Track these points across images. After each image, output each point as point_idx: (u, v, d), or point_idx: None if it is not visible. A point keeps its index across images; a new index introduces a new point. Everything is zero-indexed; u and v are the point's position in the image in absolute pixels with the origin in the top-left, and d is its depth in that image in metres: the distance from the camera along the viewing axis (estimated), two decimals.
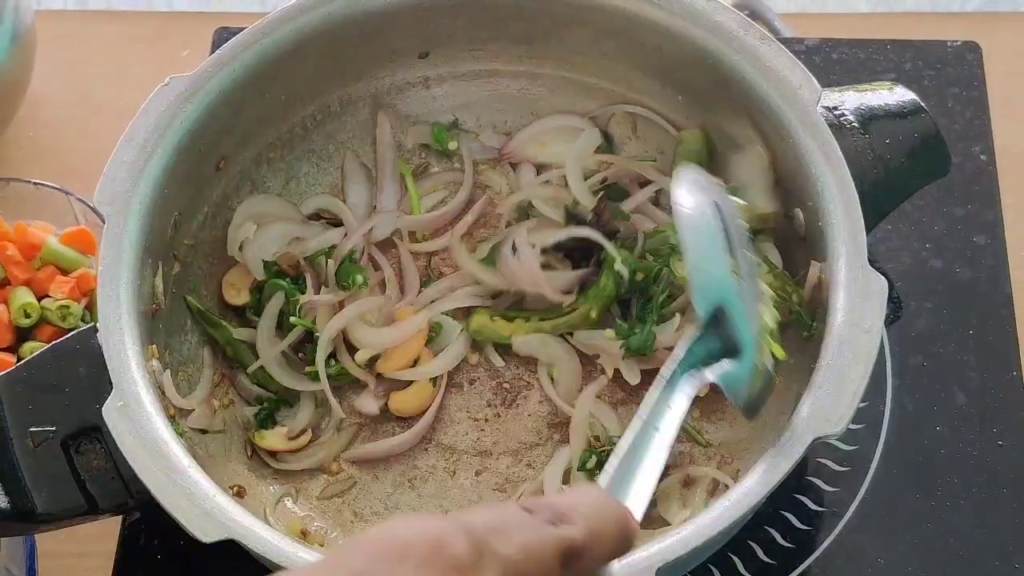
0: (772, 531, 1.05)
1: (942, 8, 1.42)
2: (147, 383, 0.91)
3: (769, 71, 1.00)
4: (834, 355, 0.88)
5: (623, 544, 0.61)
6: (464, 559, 0.51)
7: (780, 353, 0.88)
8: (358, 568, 0.50)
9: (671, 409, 0.80)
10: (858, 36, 1.26)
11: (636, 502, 0.71)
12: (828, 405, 0.87)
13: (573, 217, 1.09)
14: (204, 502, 0.85)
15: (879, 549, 1.04)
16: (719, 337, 0.86)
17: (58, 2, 1.69)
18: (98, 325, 0.93)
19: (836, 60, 1.24)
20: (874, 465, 1.07)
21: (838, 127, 1.01)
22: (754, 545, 1.04)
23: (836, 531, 1.05)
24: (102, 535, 1.07)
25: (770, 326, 0.88)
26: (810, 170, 0.96)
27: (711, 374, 0.84)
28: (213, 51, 1.25)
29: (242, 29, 1.05)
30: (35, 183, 1.17)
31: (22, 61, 1.23)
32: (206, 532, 0.84)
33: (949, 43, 1.26)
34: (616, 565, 0.65)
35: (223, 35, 1.28)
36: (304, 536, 1.01)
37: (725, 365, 0.85)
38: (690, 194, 0.88)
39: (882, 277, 0.91)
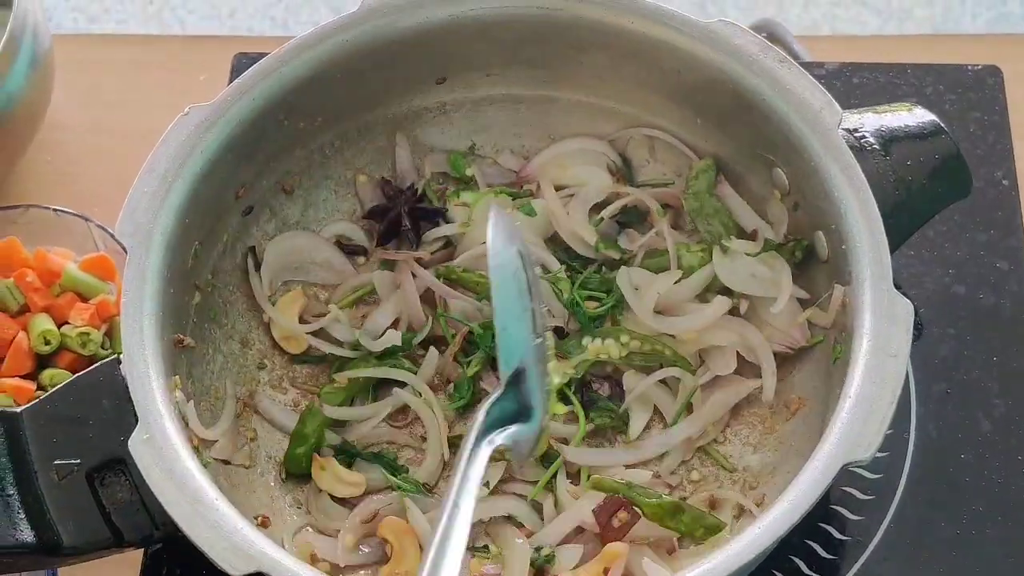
0: (797, 560, 1.04)
1: (951, 24, 1.42)
2: (172, 415, 0.91)
3: (789, 94, 1.00)
4: (861, 381, 0.88)
5: None
6: None
7: (559, 409, 0.96)
8: None
9: (469, 481, 0.83)
10: (876, 59, 1.26)
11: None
12: (856, 431, 0.86)
13: None
14: (232, 535, 0.85)
15: None
16: (515, 398, 0.88)
17: (75, 26, 1.69)
18: (122, 357, 0.92)
19: (857, 84, 1.24)
20: (899, 493, 1.07)
21: (859, 149, 1.00)
22: (778, 574, 1.04)
23: (862, 560, 1.04)
24: (122, 564, 1.06)
25: (556, 384, 0.93)
26: (833, 193, 0.96)
27: (500, 438, 0.87)
28: (232, 77, 1.26)
29: (260, 54, 1.05)
30: (55, 209, 1.17)
31: (40, 86, 1.23)
32: (234, 566, 0.84)
33: (969, 67, 1.26)
34: None
35: (242, 61, 1.28)
36: (313, 561, 1.01)
37: (514, 428, 0.88)
38: (502, 244, 0.89)
39: (908, 301, 0.91)
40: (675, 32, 1.03)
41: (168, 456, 0.88)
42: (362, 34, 1.05)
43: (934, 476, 1.07)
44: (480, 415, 0.86)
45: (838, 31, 1.33)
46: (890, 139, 1.02)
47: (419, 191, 1.13)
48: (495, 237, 0.88)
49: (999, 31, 1.32)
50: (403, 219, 1.12)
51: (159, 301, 0.95)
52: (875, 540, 1.05)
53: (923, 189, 1.01)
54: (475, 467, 0.83)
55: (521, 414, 0.88)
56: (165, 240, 0.97)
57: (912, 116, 1.04)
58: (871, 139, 1.02)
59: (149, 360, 0.92)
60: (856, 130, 1.02)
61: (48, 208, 1.17)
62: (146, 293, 0.94)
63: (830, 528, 1.05)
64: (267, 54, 1.04)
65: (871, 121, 1.03)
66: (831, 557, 1.04)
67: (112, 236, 1.13)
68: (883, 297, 0.91)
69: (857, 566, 1.04)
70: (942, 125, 1.04)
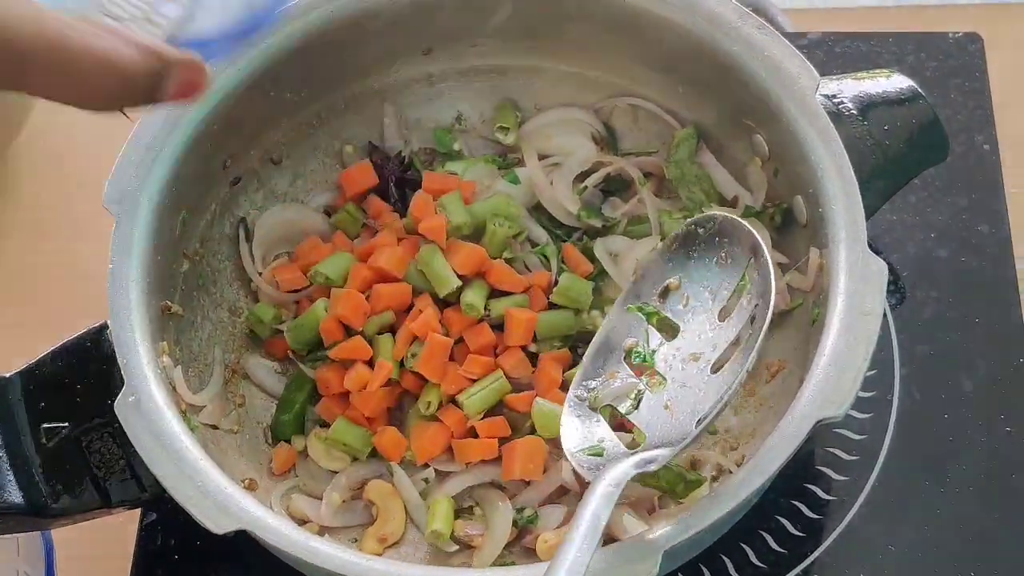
0: (783, 520, 1.06)
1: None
2: (158, 379, 0.92)
3: (767, 60, 1.01)
4: (835, 339, 0.89)
5: None
6: None
7: None
8: None
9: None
10: (858, 29, 1.27)
11: None
12: (830, 388, 0.87)
13: None
14: (216, 494, 0.87)
15: (889, 537, 1.05)
16: None
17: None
18: (108, 322, 0.94)
19: (839, 54, 1.25)
20: (883, 454, 1.08)
21: (837, 115, 1.02)
22: (765, 534, 1.05)
23: (846, 520, 1.05)
24: (119, 537, 1.08)
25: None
26: (810, 157, 0.97)
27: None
28: None
29: None
30: None
31: None
32: (218, 524, 0.85)
33: (951, 34, 1.27)
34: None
35: None
36: (299, 522, 1.02)
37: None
38: None
39: (881, 260, 0.92)
40: (656, 1, 1.05)
41: (153, 418, 0.89)
42: (348, 4, 1.06)
43: (918, 437, 1.08)
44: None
45: (829, 5, 1.34)
46: (868, 104, 1.03)
47: (406, 160, 1.15)
48: None
49: (988, 1, 1.33)
50: (390, 189, 1.13)
51: (146, 268, 0.96)
52: (860, 500, 1.06)
53: (901, 154, 1.03)
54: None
55: None
56: (152, 208, 0.98)
57: (890, 82, 1.05)
58: (849, 104, 1.03)
59: (135, 325, 0.93)
60: (835, 96, 1.03)
61: None
62: (132, 259, 0.96)
63: (815, 488, 1.07)
64: None
65: (850, 87, 1.05)
66: (817, 517, 1.06)
67: None
68: (858, 258, 0.92)
69: (842, 525, 1.05)
70: (920, 91, 1.05)
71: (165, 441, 0.89)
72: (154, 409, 0.90)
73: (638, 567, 0.82)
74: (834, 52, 1.25)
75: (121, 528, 1.08)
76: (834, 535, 1.05)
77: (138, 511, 1.07)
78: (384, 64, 1.13)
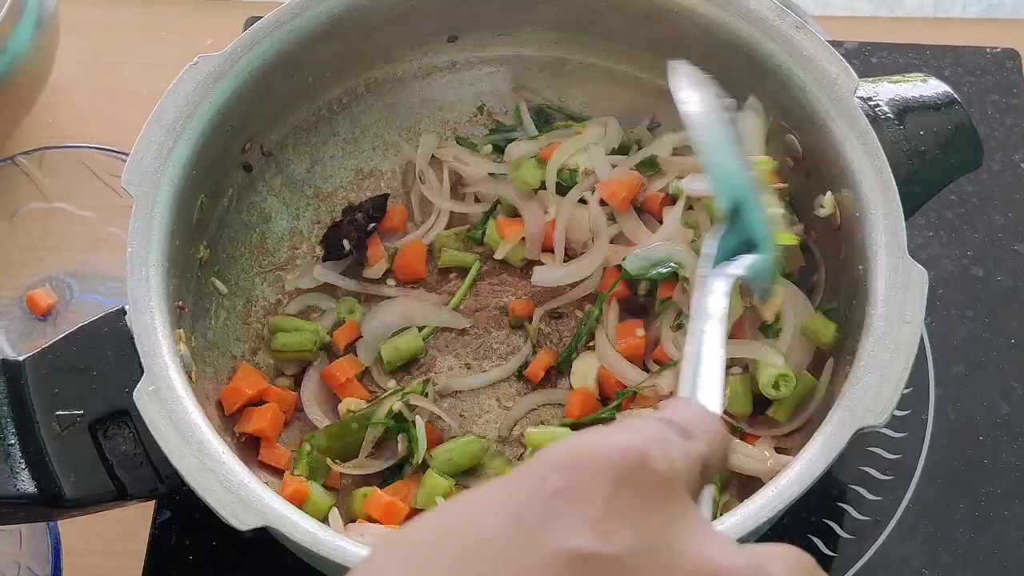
0: (815, 540, 1.04)
1: (942, 13, 1.42)
2: (178, 367, 0.89)
3: (805, 60, 0.99)
4: (875, 346, 0.88)
5: (727, 453, 0.58)
6: (665, 478, 0.47)
7: (790, 240, 0.92)
8: (559, 484, 0.45)
9: (710, 312, 0.74)
10: (887, 39, 1.25)
11: (715, 405, 0.66)
12: (871, 396, 0.86)
13: None
14: (239, 489, 0.84)
15: (924, 559, 1.03)
16: (737, 233, 0.83)
17: None
18: (127, 308, 0.91)
19: (875, 64, 1.24)
20: (917, 474, 1.06)
21: (872, 118, 0.99)
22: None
23: (880, 540, 1.04)
24: (128, 534, 1.06)
25: (777, 214, 0.89)
26: (847, 159, 0.96)
27: (738, 268, 0.82)
28: None
29: None
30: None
31: (45, 48, 1.21)
32: (241, 519, 0.83)
33: (988, 49, 1.26)
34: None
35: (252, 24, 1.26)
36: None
37: (748, 259, 0.83)
38: (694, 90, 0.85)
39: (922, 268, 0.90)
40: None
41: (174, 408, 0.87)
42: None
43: (952, 457, 1.07)
44: (707, 249, 0.81)
45: (855, 12, 1.32)
46: (904, 109, 1.01)
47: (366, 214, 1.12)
48: (681, 82, 0.85)
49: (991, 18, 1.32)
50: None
51: (165, 252, 0.94)
52: (893, 520, 1.04)
53: (936, 159, 1.01)
54: (714, 298, 0.75)
55: (747, 248, 0.83)
56: (172, 191, 0.95)
57: (927, 87, 1.03)
58: (885, 108, 1.01)
59: (155, 311, 0.91)
60: (870, 99, 1.02)
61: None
62: (152, 243, 0.93)
63: (849, 508, 1.05)
64: None
65: (885, 91, 1.03)
66: (850, 537, 1.04)
67: None
68: (897, 264, 0.91)
69: (876, 546, 1.03)
70: (956, 97, 1.03)
71: (186, 432, 0.86)
72: (175, 399, 0.87)
73: None
74: (871, 63, 1.24)
75: (131, 525, 1.05)
76: (868, 556, 1.03)
77: (151, 508, 1.05)
78: (408, 50, 1.11)
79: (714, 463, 0.54)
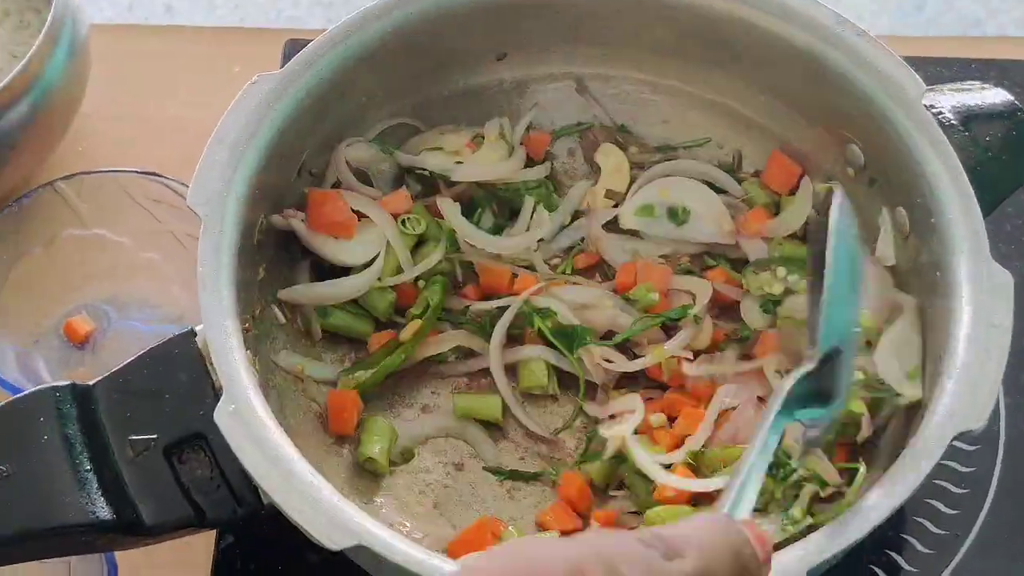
0: (894, 555, 1.03)
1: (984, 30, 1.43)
2: (256, 386, 0.87)
3: (871, 67, 0.99)
4: (966, 352, 0.87)
5: (747, 569, 0.59)
6: None
7: (857, 408, 0.91)
8: None
9: (769, 450, 0.76)
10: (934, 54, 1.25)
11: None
12: (966, 402, 0.85)
13: None
14: (329, 509, 0.82)
15: (1004, 572, 1.02)
16: (817, 381, 0.82)
17: (109, 16, 1.64)
18: (200, 328, 0.89)
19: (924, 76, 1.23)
20: (993, 486, 1.06)
21: (938, 124, 0.99)
22: (878, 570, 1.02)
23: (960, 554, 1.03)
24: (185, 562, 1.04)
25: (859, 378, 0.89)
26: (920, 166, 0.95)
27: (803, 417, 0.82)
28: (283, 62, 1.22)
29: (312, 40, 1.02)
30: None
31: (77, 76, 1.18)
32: (333, 539, 0.81)
33: None
34: None
35: (293, 48, 1.24)
36: None
37: (814, 411, 0.82)
38: (843, 221, 0.82)
39: (1007, 271, 0.90)
40: (748, 6, 1.02)
41: (256, 428, 0.85)
42: (430, 5, 1.03)
43: None
44: (787, 384, 0.80)
45: (899, 32, 1.33)
46: (968, 116, 1.01)
47: None
48: (839, 216, 0.81)
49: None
50: None
51: (236, 271, 0.92)
52: (972, 534, 1.03)
53: (1003, 165, 1.01)
54: (774, 436, 0.77)
55: (821, 396, 0.82)
56: (238, 209, 0.94)
57: (989, 94, 1.03)
58: (949, 115, 1.01)
59: (230, 330, 0.89)
60: (932, 106, 1.01)
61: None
62: (222, 261, 0.91)
63: (926, 522, 1.04)
64: None
65: (947, 98, 1.02)
66: (928, 551, 1.03)
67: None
68: (982, 268, 0.90)
69: (956, 560, 1.02)
70: (1018, 104, 1.03)
71: (271, 453, 0.84)
72: (255, 419, 0.85)
73: None
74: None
75: (188, 552, 1.02)
76: (949, 570, 1.02)
77: (212, 533, 1.02)
78: (457, 70, 1.10)
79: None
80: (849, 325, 0.82)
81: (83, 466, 0.86)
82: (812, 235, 0.87)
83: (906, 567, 1.02)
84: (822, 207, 0.89)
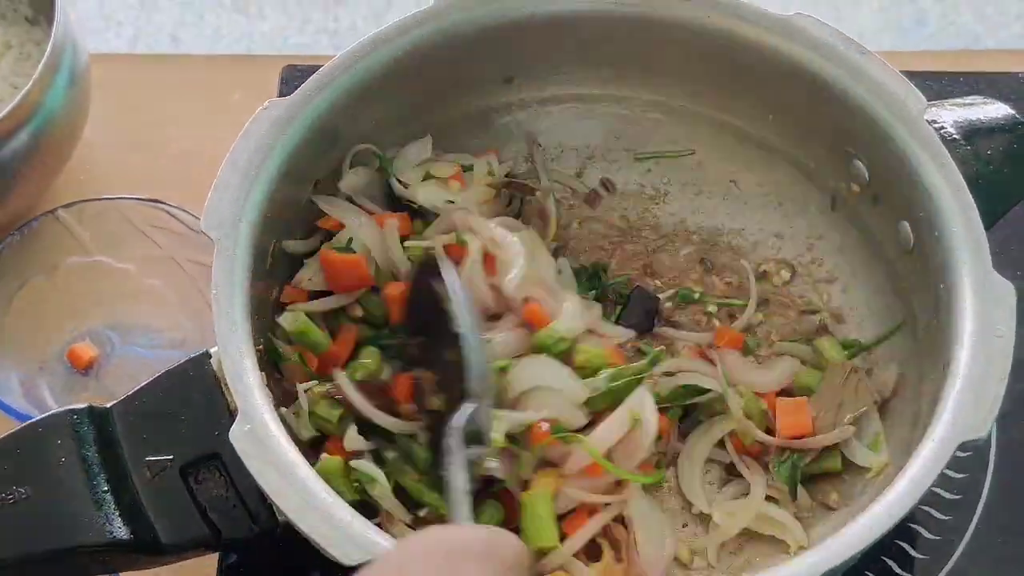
0: (889, 562, 1.03)
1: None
2: (270, 406, 0.89)
3: (873, 84, 1.00)
4: (969, 362, 0.88)
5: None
6: (510, 560, 0.62)
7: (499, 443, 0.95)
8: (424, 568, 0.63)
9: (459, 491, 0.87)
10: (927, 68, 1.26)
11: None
12: (969, 411, 0.86)
13: None
14: (345, 527, 0.83)
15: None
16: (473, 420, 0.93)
17: (108, 47, 1.66)
18: (215, 351, 0.91)
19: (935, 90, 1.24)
20: (985, 493, 1.06)
21: (940, 139, 1.00)
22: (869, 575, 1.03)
23: (953, 559, 1.04)
24: None
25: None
26: (922, 180, 0.96)
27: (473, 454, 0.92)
28: (281, 88, 1.25)
29: (310, 68, 1.03)
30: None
31: (78, 104, 1.20)
32: (349, 556, 0.82)
33: (1021, 74, 1.27)
34: None
35: (291, 73, 1.27)
36: None
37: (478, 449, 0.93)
38: (452, 282, 0.95)
39: (1008, 283, 0.91)
40: (753, 26, 1.04)
41: (272, 447, 0.86)
42: (438, 30, 1.05)
43: (1019, 476, 1.07)
44: (456, 423, 0.91)
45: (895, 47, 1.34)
46: (970, 130, 1.02)
47: None
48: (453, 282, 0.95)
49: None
50: None
51: (247, 295, 0.93)
52: (965, 539, 1.04)
53: (1006, 177, 1.02)
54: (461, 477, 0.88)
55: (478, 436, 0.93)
56: (250, 233, 0.95)
57: (991, 108, 1.05)
58: (951, 130, 1.02)
59: (244, 352, 0.90)
60: (934, 121, 1.02)
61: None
62: (236, 285, 0.93)
63: (920, 528, 1.05)
64: (315, 68, 1.02)
65: (949, 113, 1.04)
66: (922, 557, 1.04)
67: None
68: (983, 280, 0.91)
69: (950, 565, 1.03)
70: (1020, 117, 1.04)
71: (286, 471, 0.85)
72: (271, 438, 0.87)
73: None
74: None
75: (192, 572, 1.03)
76: (942, 574, 1.03)
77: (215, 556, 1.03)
78: (465, 92, 1.12)
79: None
80: (485, 367, 0.95)
81: (100, 487, 0.88)
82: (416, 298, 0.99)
83: (900, 571, 1.03)
84: (421, 271, 0.99)
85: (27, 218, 1.14)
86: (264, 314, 1.00)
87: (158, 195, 1.14)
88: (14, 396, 1.09)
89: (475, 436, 0.92)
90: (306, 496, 0.84)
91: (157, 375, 0.92)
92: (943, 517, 1.05)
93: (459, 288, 0.95)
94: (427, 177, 1.09)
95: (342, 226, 1.05)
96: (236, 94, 1.32)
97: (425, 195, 1.08)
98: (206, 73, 1.39)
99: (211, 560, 1.03)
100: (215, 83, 1.35)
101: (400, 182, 1.08)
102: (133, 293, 1.17)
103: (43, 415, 0.91)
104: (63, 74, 1.15)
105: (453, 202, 1.07)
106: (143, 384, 0.92)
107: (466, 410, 0.92)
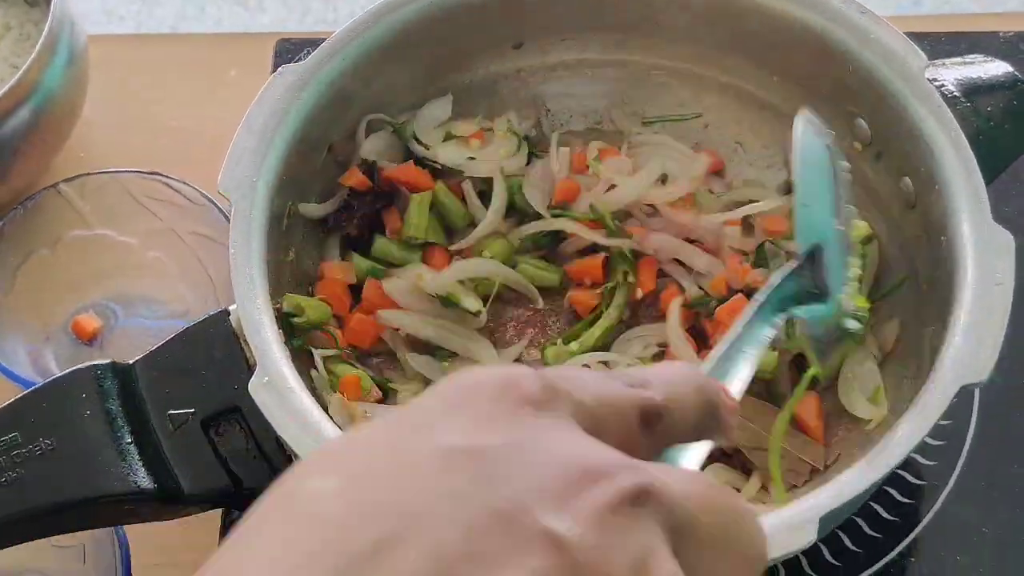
0: (875, 506, 1.06)
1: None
2: (288, 360, 0.91)
3: (875, 43, 1.02)
4: (970, 308, 0.90)
5: (708, 412, 0.57)
6: (536, 396, 0.49)
7: (863, 303, 0.89)
8: (443, 405, 0.49)
9: (759, 338, 0.72)
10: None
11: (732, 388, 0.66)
12: (970, 355, 0.88)
13: None
14: None
15: (982, 519, 1.05)
16: (809, 278, 0.84)
17: (103, 28, 1.69)
18: (234, 308, 0.93)
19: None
20: (969, 439, 1.09)
21: (941, 97, 1.02)
22: (859, 520, 1.05)
23: (938, 503, 1.06)
24: (193, 544, 1.06)
25: (858, 274, 0.89)
26: (923, 136, 0.98)
27: (800, 311, 0.82)
28: (275, 62, 1.29)
29: (303, 41, 1.05)
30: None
31: (76, 83, 1.23)
32: None
33: (1001, 33, 1.30)
34: (702, 448, 0.59)
35: (284, 46, 1.30)
36: None
37: (814, 307, 0.84)
38: (808, 132, 0.88)
39: (1007, 232, 0.93)
40: None
41: (289, 398, 0.88)
42: None
43: (1001, 421, 1.10)
44: (774, 279, 0.80)
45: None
46: (971, 87, 1.04)
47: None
48: (804, 130, 0.88)
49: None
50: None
51: (264, 254, 0.96)
52: (950, 483, 1.07)
53: (1006, 133, 1.04)
54: (766, 329, 0.73)
55: (816, 296, 0.84)
56: (267, 194, 0.98)
57: (991, 66, 1.06)
58: (951, 87, 1.04)
59: (262, 308, 0.93)
60: (935, 79, 1.04)
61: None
62: (253, 244, 0.95)
63: (906, 474, 1.07)
64: (308, 40, 1.04)
65: (949, 72, 1.05)
66: (909, 501, 1.06)
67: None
68: (983, 230, 0.93)
69: (935, 509, 1.06)
70: (1019, 75, 1.06)
71: (304, 421, 0.87)
72: (287, 389, 0.89)
73: (796, 535, 0.82)
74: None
75: (196, 537, 1.05)
76: (927, 519, 1.06)
77: (217, 519, 1.05)
78: (476, 58, 1.13)
79: (675, 414, 0.54)
80: (826, 224, 0.85)
81: (124, 439, 0.90)
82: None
83: (887, 516, 1.05)
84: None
85: (28, 194, 1.16)
86: (282, 272, 1.02)
87: (158, 169, 1.17)
88: (22, 366, 1.11)
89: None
90: (322, 443, 0.87)
91: (177, 332, 0.95)
92: (928, 463, 1.08)
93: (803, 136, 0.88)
94: (447, 137, 1.11)
95: (367, 183, 1.09)
96: (232, 71, 1.35)
97: (446, 154, 1.10)
98: (202, 52, 1.42)
99: (215, 517, 1.05)
100: (211, 61, 1.38)
101: (420, 143, 1.10)
102: (135, 265, 1.20)
103: (67, 371, 0.93)
104: (61, 54, 1.18)
105: (475, 159, 1.10)
106: (164, 341, 0.94)
107: (786, 267, 0.83)
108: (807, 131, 0.88)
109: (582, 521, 0.44)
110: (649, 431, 0.52)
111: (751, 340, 0.71)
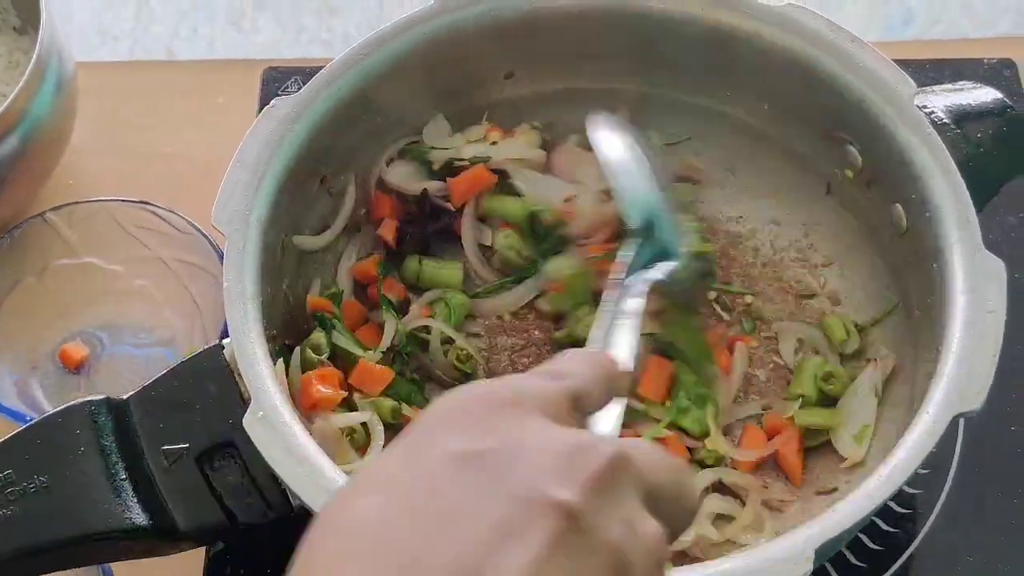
0: (861, 535, 1.06)
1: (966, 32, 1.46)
2: (282, 394, 0.91)
3: (865, 71, 1.02)
4: (962, 337, 0.90)
5: (609, 380, 0.68)
6: (510, 399, 0.60)
7: (706, 248, 1.08)
8: (441, 421, 0.59)
9: (632, 308, 0.87)
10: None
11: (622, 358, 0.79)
12: (964, 384, 0.88)
13: None
14: None
15: (968, 547, 1.06)
16: (653, 244, 0.98)
17: (93, 55, 1.69)
18: (228, 342, 0.93)
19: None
20: (954, 466, 1.09)
21: (931, 124, 1.03)
22: (846, 551, 1.05)
23: (924, 531, 1.06)
24: (182, 570, 1.06)
25: (692, 227, 1.06)
26: (914, 162, 0.99)
27: (656, 272, 0.95)
28: (262, 90, 1.29)
29: (290, 69, 1.05)
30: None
31: (65, 111, 1.23)
32: None
33: (985, 60, 1.30)
34: (616, 408, 0.70)
35: (271, 75, 1.31)
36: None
37: (661, 265, 0.97)
38: (608, 129, 1.02)
39: (998, 259, 0.93)
40: (748, 18, 1.06)
41: (284, 433, 0.88)
42: (440, 26, 1.07)
43: (987, 448, 1.10)
44: (622, 258, 0.94)
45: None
46: (960, 114, 1.05)
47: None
48: (599, 130, 1.03)
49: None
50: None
51: (259, 286, 0.96)
52: (935, 511, 1.07)
53: (995, 159, 1.04)
54: (631, 298, 0.88)
55: (664, 257, 0.98)
56: (260, 227, 0.98)
57: (980, 93, 1.07)
58: (941, 114, 1.04)
59: (255, 342, 0.93)
60: (924, 106, 1.05)
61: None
62: (247, 277, 0.95)
63: (891, 503, 1.06)
64: (296, 69, 1.03)
65: (938, 98, 1.06)
66: (894, 530, 1.06)
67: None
68: (974, 256, 0.94)
69: (920, 537, 1.06)
70: (1008, 101, 1.07)
71: (300, 456, 0.87)
72: (282, 424, 0.89)
73: (794, 566, 0.82)
74: None
75: (184, 563, 1.03)
76: (913, 547, 1.06)
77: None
78: (467, 89, 1.14)
79: (589, 394, 0.65)
80: (649, 197, 0.99)
81: (119, 475, 0.90)
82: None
83: (872, 545, 1.06)
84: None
85: (15, 223, 1.16)
86: (276, 304, 1.02)
87: (145, 199, 1.17)
88: (8, 396, 1.11)
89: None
90: (319, 479, 0.86)
91: (172, 366, 0.95)
92: (913, 491, 1.08)
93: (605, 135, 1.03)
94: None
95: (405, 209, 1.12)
96: (220, 98, 1.35)
97: (470, 149, 1.13)
98: (190, 78, 1.42)
99: (197, 554, 1.05)
100: (200, 88, 1.38)
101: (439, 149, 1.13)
102: (122, 293, 1.20)
103: (61, 407, 0.93)
104: (49, 81, 1.18)
105: (496, 142, 1.13)
106: (158, 376, 0.94)
107: (629, 244, 0.97)
108: (603, 130, 1.02)
109: (582, 487, 0.55)
110: (576, 409, 0.63)
111: (624, 313, 0.86)
